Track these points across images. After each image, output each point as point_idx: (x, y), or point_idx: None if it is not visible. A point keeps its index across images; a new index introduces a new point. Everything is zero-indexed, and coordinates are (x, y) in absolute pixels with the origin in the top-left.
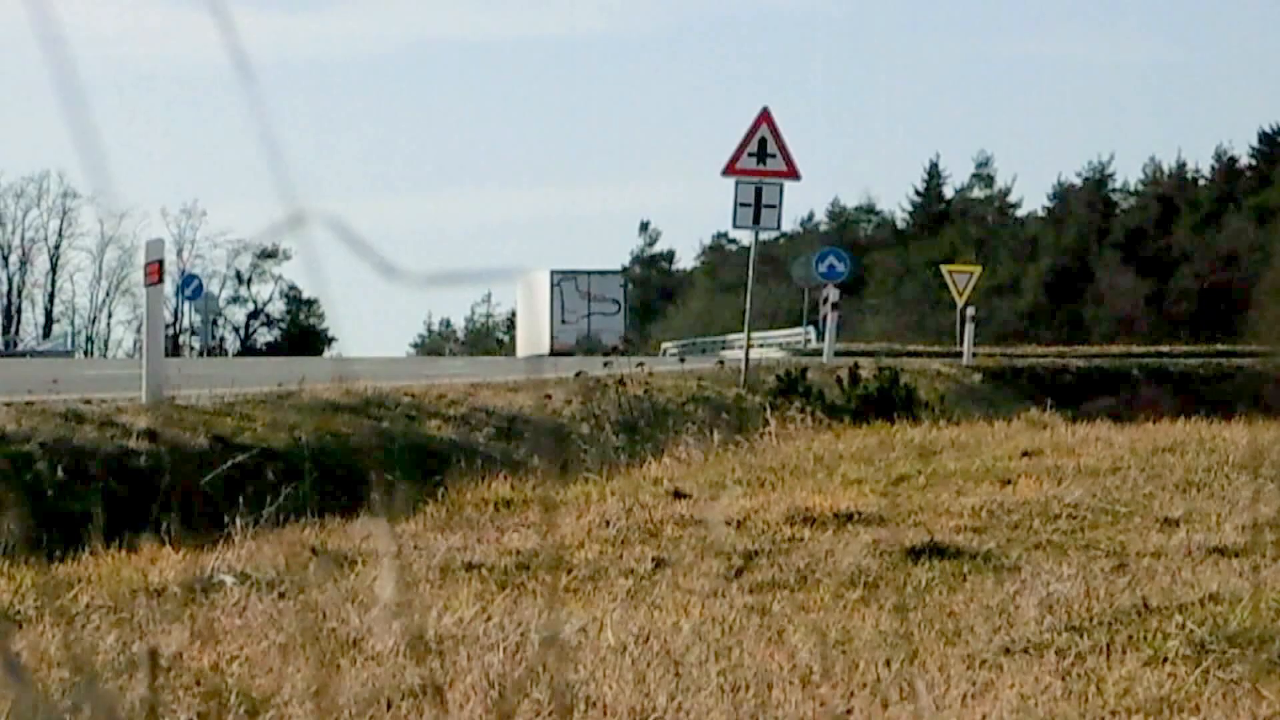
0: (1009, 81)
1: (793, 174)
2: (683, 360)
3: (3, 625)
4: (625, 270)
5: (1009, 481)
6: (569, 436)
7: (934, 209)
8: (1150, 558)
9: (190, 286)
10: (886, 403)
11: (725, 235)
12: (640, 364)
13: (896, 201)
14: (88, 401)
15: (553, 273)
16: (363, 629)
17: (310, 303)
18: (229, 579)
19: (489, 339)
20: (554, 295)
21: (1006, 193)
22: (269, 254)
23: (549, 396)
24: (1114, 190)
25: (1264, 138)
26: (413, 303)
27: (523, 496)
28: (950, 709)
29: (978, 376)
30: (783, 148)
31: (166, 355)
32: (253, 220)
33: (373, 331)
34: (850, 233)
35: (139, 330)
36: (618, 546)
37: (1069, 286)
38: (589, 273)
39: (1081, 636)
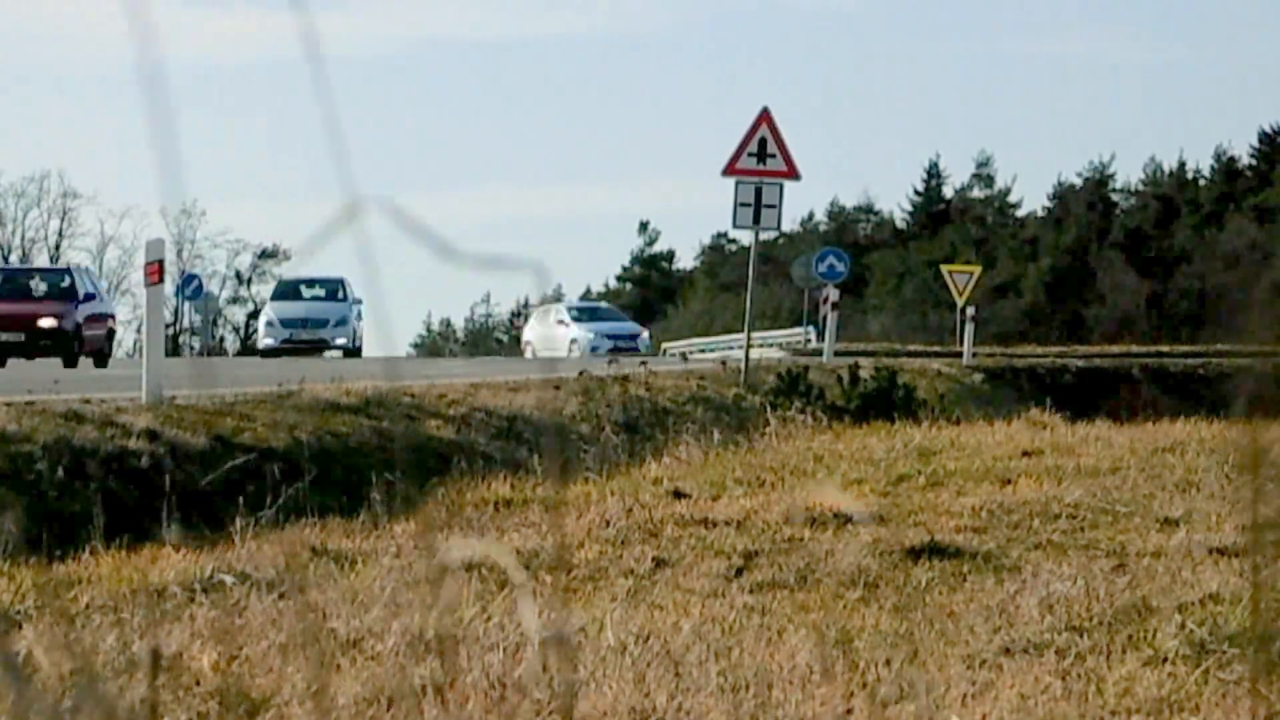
0: (1009, 81)
1: (793, 174)
2: (685, 359)
3: (3, 625)
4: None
5: (1009, 481)
6: (569, 436)
7: (934, 209)
8: (1150, 558)
9: (190, 286)
10: (886, 403)
11: (725, 235)
12: (643, 363)
13: (896, 201)
14: (88, 401)
15: None
16: (363, 629)
17: None
18: (229, 579)
19: (489, 339)
20: None
21: (1006, 193)
22: (269, 254)
23: (552, 394)
24: (1114, 190)
25: (1264, 138)
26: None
27: (523, 496)
28: (950, 709)
29: (978, 376)
30: (783, 148)
31: (166, 355)
32: (252, 220)
33: (372, 332)
34: (850, 233)
35: (139, 330)
36: (618, 546)
37: (1069, 286)
38: None
39: (1081, 636)
